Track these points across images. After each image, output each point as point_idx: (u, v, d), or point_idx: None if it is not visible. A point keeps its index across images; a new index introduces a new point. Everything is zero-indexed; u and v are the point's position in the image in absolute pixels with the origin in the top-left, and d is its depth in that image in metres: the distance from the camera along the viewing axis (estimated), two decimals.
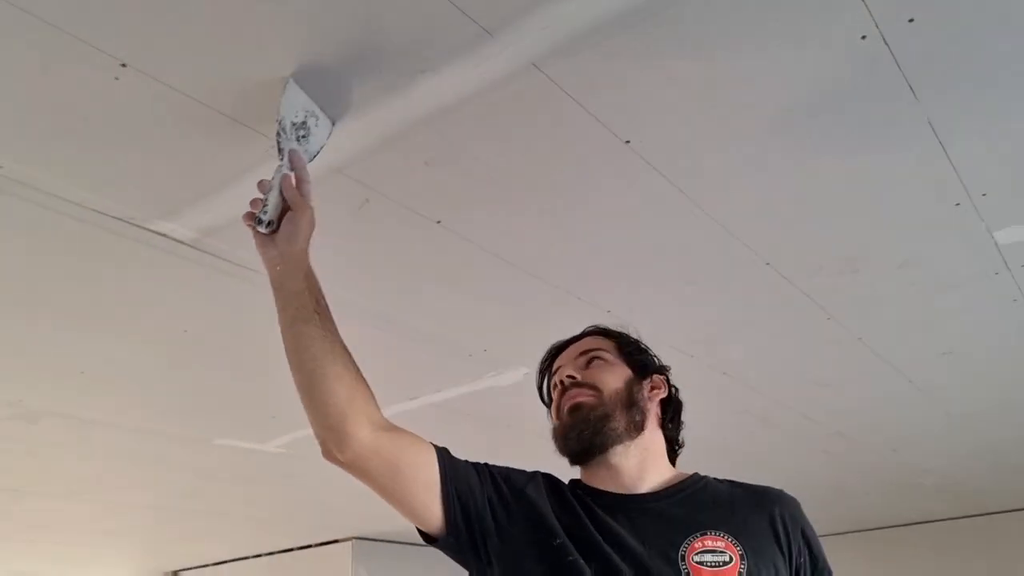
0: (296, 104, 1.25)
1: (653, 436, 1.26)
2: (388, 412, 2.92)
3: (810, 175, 1.64)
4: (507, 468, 1.27)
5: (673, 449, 1.31)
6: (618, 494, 1.21)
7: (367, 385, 1.17)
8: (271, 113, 1.32)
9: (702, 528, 1.14)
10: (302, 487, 3.96)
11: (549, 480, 1.27)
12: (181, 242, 1.73)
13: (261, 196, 1.20)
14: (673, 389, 1.34)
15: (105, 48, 1.19)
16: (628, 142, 1.49)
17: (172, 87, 1.27)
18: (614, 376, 1.25)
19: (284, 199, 1.20)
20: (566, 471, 1.33)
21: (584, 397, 1.22)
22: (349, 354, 1.17)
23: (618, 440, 1.21)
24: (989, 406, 3.25)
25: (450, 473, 1.16)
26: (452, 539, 1.16)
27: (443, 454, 1.19)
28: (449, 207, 1.67)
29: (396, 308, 2.11)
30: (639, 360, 1.31)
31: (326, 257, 1.81)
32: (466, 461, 1.23)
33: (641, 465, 1.22)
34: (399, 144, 1.45)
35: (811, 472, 4.09)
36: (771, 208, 1.75)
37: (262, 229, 1.20)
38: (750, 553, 1.11)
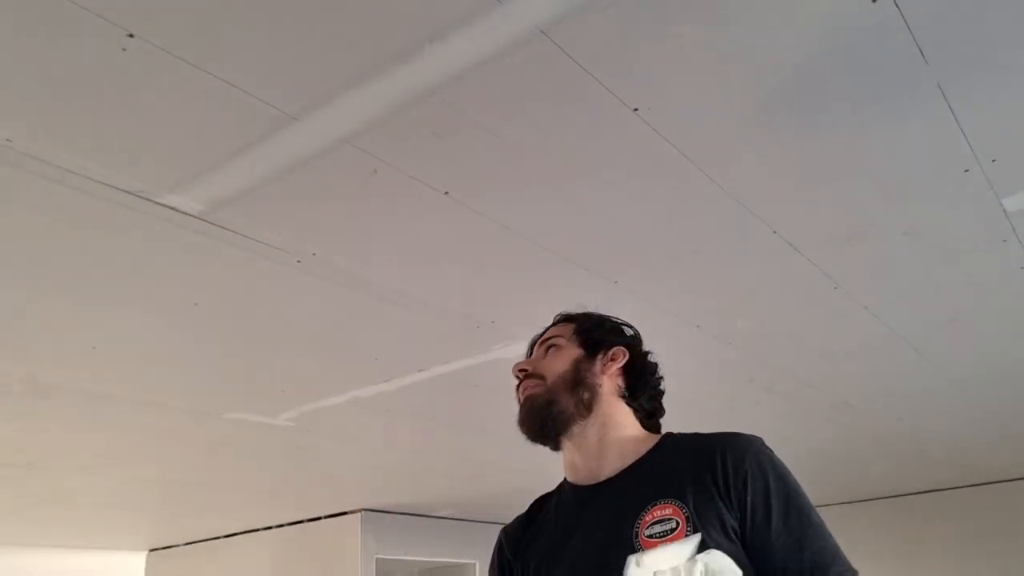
0: None
1: (610, 410, 1.23)
2: (399, 383, 2.94)
3: (818, 142, 1.63)
4: (502, 558, 1.33)
5: (650, 416, 1.28)
6: (584, 486, 1.22)
7: None
8: (278, 83, 1.32)
9: (652, 499, 1.11)
10: (311, 460, 3.99)
11: (509, 534, 1.33)
12: (190, 215, 1.73)
13: None
14: (636, 354, 1.29)
15: (111, 18, 1.19)
16: (636, 110, 1.48)
17: (180, 58, 1.27)
18: (560, 360, 1.25)
19: None
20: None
21: (532, 389, 1.24)
22: None
23: (570, 421, 1.20)
24: (994, 373, 3.26)
25: None
26: None
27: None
28: (457, 178, 1.67)
29: (404, 280, 2.11)
30: (592, 338, 1.29)
31: (334, 227, 1.84)
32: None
33: (601, 441, 1.21)
34: (406, 114, 1.45)
35: (818, 441, 4.11)
36: (778, 176, 1.75)
37: None
38: (695, 514, 1.07)
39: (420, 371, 2.81)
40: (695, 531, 1.05)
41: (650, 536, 1.08)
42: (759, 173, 1.73)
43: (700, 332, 2.56)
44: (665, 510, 1.09)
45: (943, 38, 1.35)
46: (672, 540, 1.06)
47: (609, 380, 1.25)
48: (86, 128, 1.43)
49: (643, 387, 1.28)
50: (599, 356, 1.26)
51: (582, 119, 1.50)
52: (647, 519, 1.10)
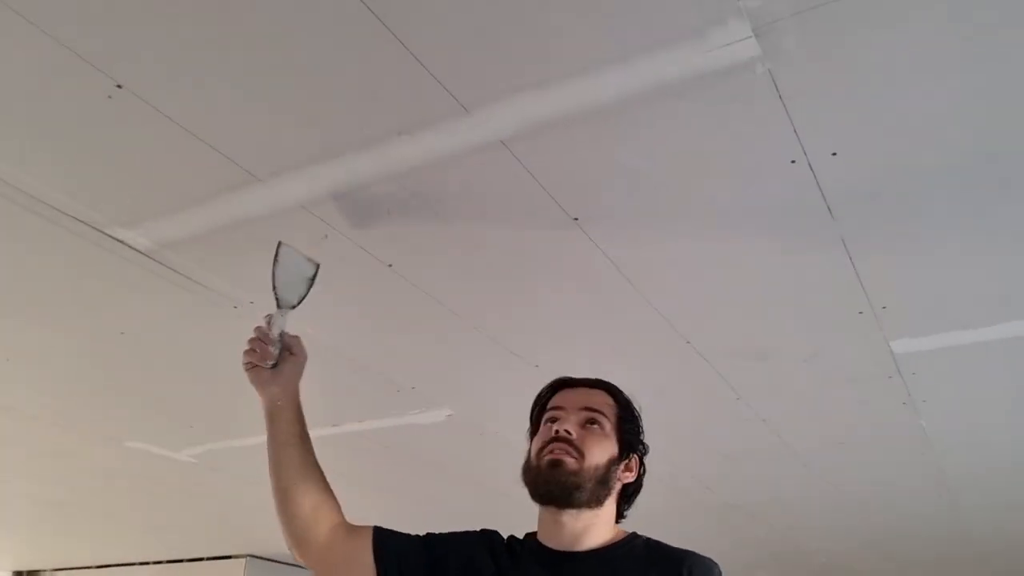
0: (289, 265, 1.46)
1: (607, 508, 1.32)
2: (311, 434, 2.96)
3: (735, 272, 1.80)
4: (450, 535, 1.34)
5: (619, 517, 1.37)
6: (555, 551, 1.28)
7: (331, 494, 1.35)
8: (250, 145, 1.41)
9: None
10: (204, 499, 3.93)
11: (492, 541, 1.34)
12: (136, 250, 1.78)
13: (261, 341, 1.40)
14: (642, 471, 1.39)
15: (103, 68, 1.27)
16: (576, 219, 1.62)
17: (162, 112, 1.35)
18: (601, 449, 1.30)
19: (283, 345, 1.41)
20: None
21: (568, 458, 1.27)
22: (319, 469, 1.37)
23: (577, 506, 1.27)
24: (875, 494, 3.47)
25: (383, 557, 1.28)
26: None
27: (379, 540, 1.30)
28: (403, 253, 1.77)
29: (336, 338, 2.18)
30: (628, 440, 1.35)
31: None
32: (406, 538, 1.32)
33: (585, 529, 1.28)
34: (366, 191, 1.55)
35: (708, 541, 4.26)
36: (697, 295, 1.91)
37: (267, 365, 1.39)
38: None
39: (334, 425, 2.85)
40: None
41: None
42: (680, 291, 1.89)
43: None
44: None
45: (849, 202, 1.54)
46: None
47: (618, 483, 1.33)
48: (57, 159, 1.48)
49: (632, 500, 1.37)
50: (625, 462, 1.33)
51: (526, 220, 1.63)
52: None
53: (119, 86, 1.30)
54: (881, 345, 2.10)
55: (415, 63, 1.24)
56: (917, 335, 2.06)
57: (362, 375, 2.39)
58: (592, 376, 1.42)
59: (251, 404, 2.70)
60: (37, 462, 3.42)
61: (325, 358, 2.28)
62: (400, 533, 1.33)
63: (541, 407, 1.40)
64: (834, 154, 1.41)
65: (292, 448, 1.36)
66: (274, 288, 1.43)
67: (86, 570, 5.85)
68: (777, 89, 1.27)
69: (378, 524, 1.32)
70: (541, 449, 1.31)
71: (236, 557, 5.26)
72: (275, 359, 1.39)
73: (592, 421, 1.32)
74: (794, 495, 3.51)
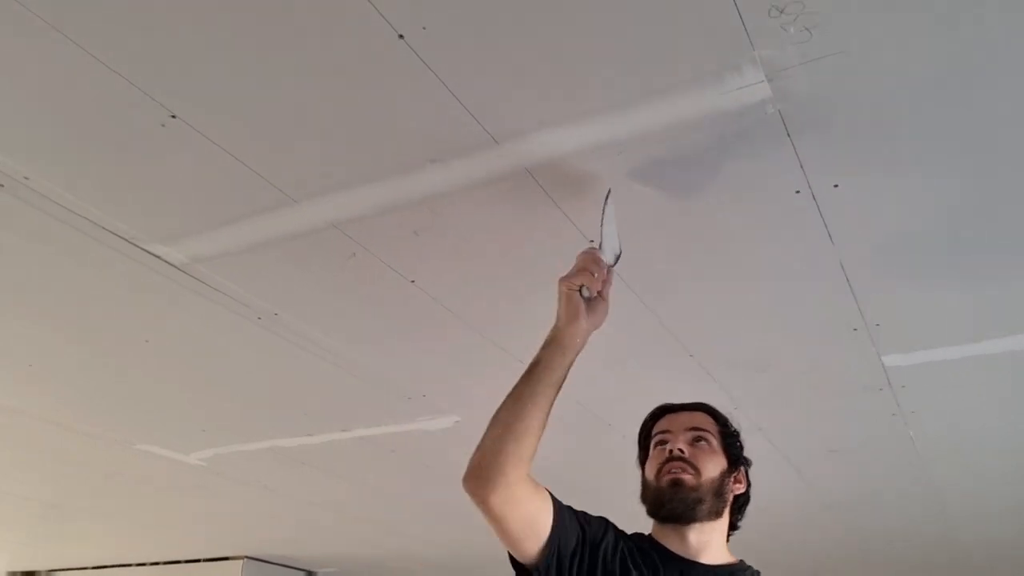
0: (611, 218, 1.44)
1: (723, 521, 1.41)
2: (321, 439, 3.07)
3: (740, 291, 1.91)
4: (586, 516, 1.37)
5: (732, 528, 1.47)
6: (682, 557, 1.37)
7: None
8: (290, 171, 1.50)
9: None
10: (207, 502, 4.00)
11: (623, 534, 1.40)
12: (171, 264, 1.87)
13: (597, 263, 1.36)
14: (749, 484, 1.48)
15: (158, 98, 1.36)
16: (592, 241, 1.72)
17: (211, 139, 1.44)
18: (714, 464, 1.40)
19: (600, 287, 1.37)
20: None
21: (686, 475, 1.37)
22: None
23: (700, 519, 1.36)
24: (865, 501, 3.59)
25: (560, 530, 1.29)
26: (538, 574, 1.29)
27: (558, 517, 1.30)
28: (425, 271, 1.87)
29: (353, 348, 2.27)
30: (734, 453, 1.46)
31: (303, 295, 1.99)
32: (571, 513, 1.34)
33: (707, 543, 1.38)
34: (396, 213, 1.65)
35: None
36: (702, 311, 2.01)
37: (585, 295, 1.35)
38: None
39: (343, 430, 2.94)
40: None
41: None
42: (685, 307, 1.99)
43: (612, 429, 2.79)
44: None
45: (848, 230, 1.65)
46: None
47: (731, 495, 1.43)
48: (105, 181, 1.57)
49: (743, 513, 1.47)
50: (734, 473, 1.44)
51: (546, 241, 1.73)
52: None
53: (173, 116, 1.39)
54: (873, 360, 2.21)
55: (449, 96, 1.34)
56: (907, 351, 2.17)
57: (374, 382, 2.48)
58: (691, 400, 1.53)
59: (261, 411, 2.80)
60: (41, 463, 3.48)
61: (340, 366, 2.37)
62: (564, 505, 1.33)
63: (646, 434, 1.49)
64: (836, 186, 1.51)
65: (553, 390, 1.28)
66: (600, 232, 1.41)
67: (82, 571, 5.90)
68: (785, 126, 1.38)
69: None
70: (659, 471, 1.40)
71: (234, 559, 5.33)
72: (591, 294, 1.35)
73: (700, 439, 1.42)
74: (786, 501, 3.62)
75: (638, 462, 1.51)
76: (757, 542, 4.23)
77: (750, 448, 2.89)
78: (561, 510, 1.31)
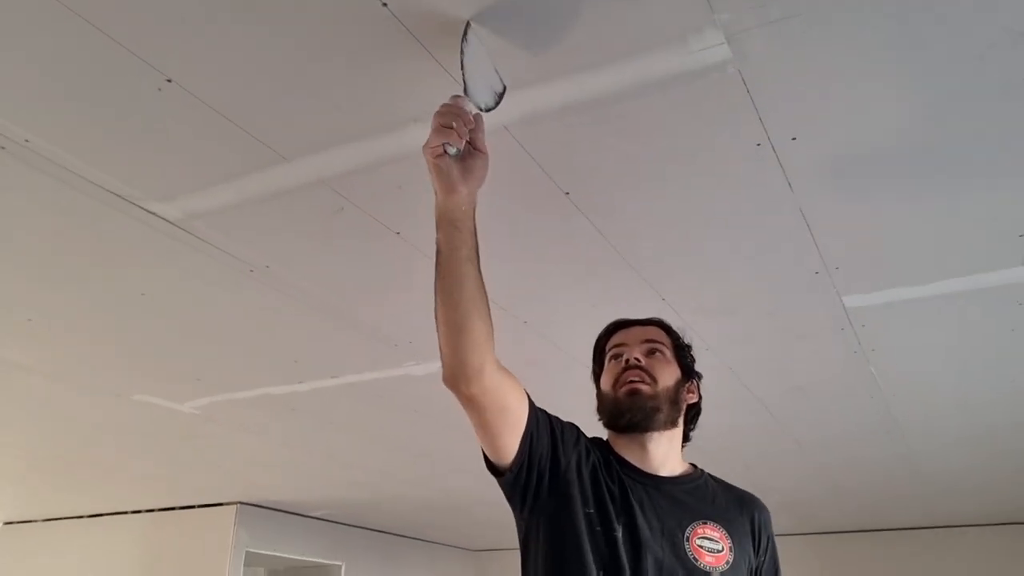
0: (481, 55, 1.27)
1: (678, 431, 1.46)
2: (311, 385, 3.19)
3: (707, 240, 2.03)
4: (562, 425, 1.38)
5: (686, 438, 1.52)
6: (643, 471, 1.40)
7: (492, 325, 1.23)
8: (282, 131, 1.59)
9: (704, 517, 1.35)
10: (201, 449, 4.12)
11: (592, 441, 1.42)
12: (166, 219, 1.95)
13: (458, 116, 1.19)
14: (700, 397, 1.53)
15: (156, 64, 1.43)
16: (568, 194, 1.82)
17: (206, 103, 1.52)
18: (669, 372, 1.44)
19: (471, 140, 1.22)
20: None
21: (644, 385, 1.39)
22: (486, 291, 1.24)
23: (656, 428, 1.39)
24: (828, 436, 3.78)
25: (533, 426, 1.30)
26: (511, 479, 1.31)
27: (534, 406, 1.32)
28: (409, 223, 1.97)
29: (342, 298, 2.38)
30: (687, 364, 1.49)
31: (293, 248, 2.09)
32: (544, 414, 1.35)
33: (665, 454, 1.42)
34: (381, 169, 1.74)
35: None
36: (673, 260, 2.13)
37: (452, 152, 1.19)
38: (736, 546, 1.34)
39: (333, 377, 3.06)
40: (733, 561, 1.33)
41: (700, 546, 1.33)
42: (657, 255, 2.11)
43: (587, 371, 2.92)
44: (714, 532, 1.35)
45: (806, 177, 1.76)
46: (718, 559, 1.32)
47: (684, 404, 1.48)
48: (105, 143, 1.65)
49: (694, 423, 1.53)
50: (687, 383, 1.48)
51: (522, 194, 1.83)
52: (698, 531, 1.34)
53: (169, 80, 1.47)
54: (835, 301, 2.35)
55: (429, 57, 1.42)
56: (866, 291, 2.31)
57: (361, 330, 2.60)
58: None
59: (253, 360, 2.90)
60: (37, 416, 3.58)
61: (329, 315, 2.48)
62: (538, 408, 1.34)
63: (601, 349, 1.53)
64: (794, 138, 1.62)
65: (470, 264, 1.21)
66: (463, 75, 1.24)
67: (78, 519, 6.04)
68: (745, 85, 1.47)
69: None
70: (615, 381, 1.43)
71: (227, 504, 5.48)
72: (464, 143, 1.19)
73: (654, 351, 1.46)
74: (759, 439, 3.80)
75: (592, 376, 1.54)
76: (733, 480, 4.44)
77: (723, 388, 3.06)
78: (535, 410, 1.32)
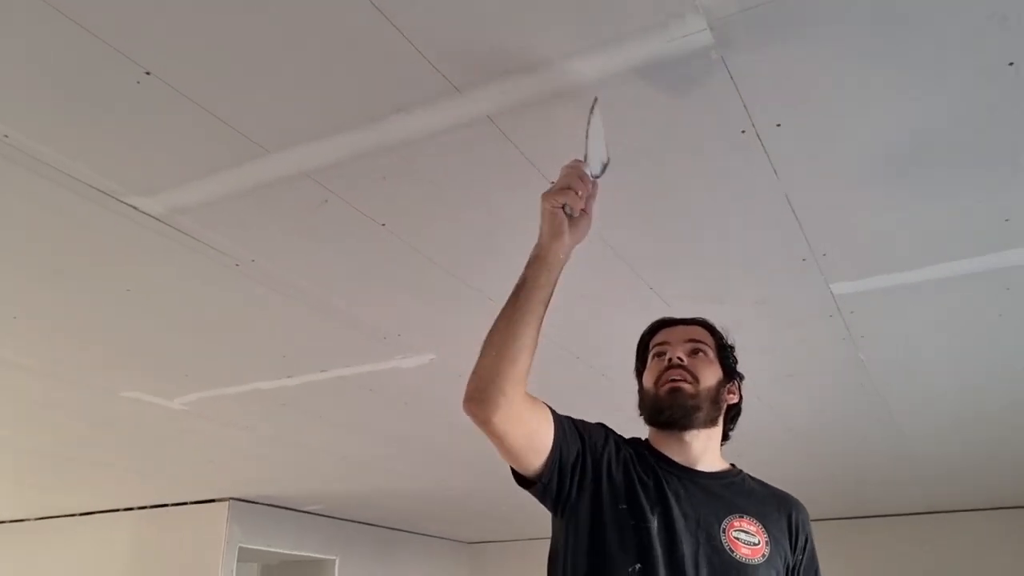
0: (599, 128, 1.42)
1: (718, 430, 1.49)
2: (300, 380, 3.17)
3: (694, 228, 2.02)
4: (589, 428, 1.42)
5: (725, 437, 1.55)
6: (681, 465, 1.43)
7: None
8: (263, 123, 1.58)
9: (740, 511, 1.38)
10: (192, 446, 4.11)
11: (621, 439, 1.46)
12: (149, 215, 1.94)
13: (582, 180, 1.33)
14: (741, 397, 1.56)
15: (135, 57, 1.42)
16: (553, 183, 1.81)
17: (185, 95, 1.51)
18: (711, 373, 1.46)
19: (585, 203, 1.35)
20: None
21: (685, 384, 1.42)
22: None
23: (696, 426, 1.42)
24: (819, 423, 3.79)
25: (560, 440, 1.33)
26: (540, 488, 1.34)
27: (559, 428, 1.34)
28: (394, 214, 1.95)
29: (329, 290, 2.37)
30: (729, 366, 1.53)
31: (278, 241, 2.08)
32: (570, 421, 1.38)
33: (703, 450, 1.45)
34: (365, 160, 1.73)
35: None
36: (659, 247, 2.13)
37: (568, 212, 1.32)
38: (772, 542, 1.37)
39: (322, 371, 3.05)
40: (768, 555, 1.36)
41: (736, 538, 1.35)
42: (645, 244, 2.10)
43: (578, 362, 2.92)
44: (750, 526, 1.38)
45: (791, 163, 1.76)
46: (754, 552, 1.35)
47: (725, 404, 1.51)
48: (84, 137, 1.63)
49: (734, 423, 1.56)
50: (728, 384, 1.51)
51: (508, 184, 1.82)
52: (734, 524, 1.37)
53: (148, 72, 1.45)
54: (822, 288, 2.35)
55: (410, 47, 1.41)
56: (854, 278, 2.31)
57: (349, 324, 2.59)
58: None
59: (241, 355, 2.89)
60: (26, 414, 3.56)
61: (316, 309, 2.47)
62: (563, 417, 1.37)
63: (644, 346, 1.55)
64: (778, 125, 1.62)
65: (542, 307, 1.29)
66: (586, 144, 1.38)
67: (70, 518, 6.02)
68: (728, 71, 1.47)
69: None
70: (657, 379, 1.45)
71: (220, 501, 5.47)
72: (575, 213, 1.33)
73: (697, 351, 1.48)
74: (751, 427, 3.78)
75: (635, 373, 1.56)
76: None
77: None
78: (561, 422, 1.35)
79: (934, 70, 1.48)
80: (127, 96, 1.50)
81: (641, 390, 1.51)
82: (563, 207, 1.32)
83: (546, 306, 1.30)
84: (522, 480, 1.37)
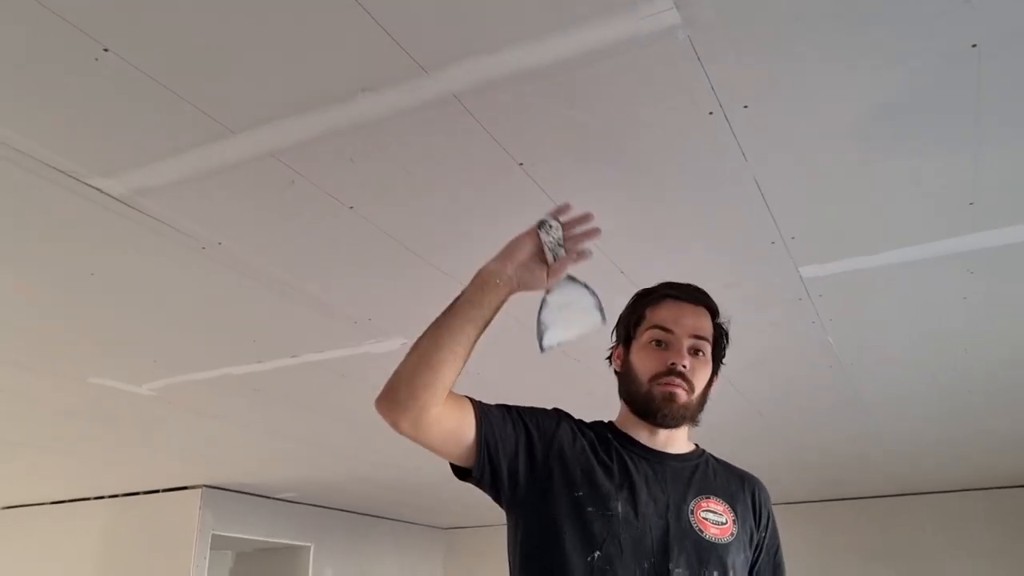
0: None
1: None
2: (271, 365, 3.14)
3: (663, 211, 2.02)
4: (533, 413, 1.38)
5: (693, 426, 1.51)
6: (648, 447, 1.40)
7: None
8: (227, 102, 1.55)
9: (708, 492, 1.38)
10: (162, 433, 4.07)
11: (581, 424, 1.42)
12: (111, 196, 1.90)
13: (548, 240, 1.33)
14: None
15: (92, 33, 1.39)
16: (521, 164, 1.81)
17: (147, 74, 1.48)
18: (704, 375, 1.41)
19: (552, 261, 1.33)
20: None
21: (682, 392, 1.37)
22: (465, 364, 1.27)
23: (678, 427, 1.41)
24: (790, 406, 3.83)
25: (485, 434, 1.29)
26: (476, 483, 1.32)
27: (482, 418, 1.30)
28: (363, 197, 1.94)
29: (297, 275, 2.35)
30: (718, 360, 1.46)
31: (245, 223, 2.05)
32: (502, 413, 1.34)
33: (675, 436, 1.42)
34: (332, 141, 1.71)
35: None
36: (630, 232, 2.13)
37: (551, 248, 1.33)
38: (739, 520, 1.37)
39: (293, 356, 3.03)
40: (736, 534, 1.36)
41: (704, 518, 1.35)
42: (614, 226, 2.10)
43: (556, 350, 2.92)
44: (718, 506, 1.38)
45: (759, 146, 1.76)
46: (723, 531, 1.35)
47: (706, 401, 1.45)
48: (42, 116, 1.60)
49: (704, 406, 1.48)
50: (713, 379, 1.45)
51: (476, 166, 1.81)
52: (702, 504, 1.37)
53: (106, 50, 1.42)
54: (791, 271, 2.36)
55: (376, 26, 1.39)
56: (822, 261, 2.33)
57: (320, 308, 2.57)
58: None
59: (210, 340, 2.86)
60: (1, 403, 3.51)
61: (285, 293, 2.44)
62: (494, 408, 1.34)
63: (641, 314, 1.46)
64: (746, 107, 1.62)
65: (472, 326, 1.25)
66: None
67: (40, 506, 5.95)
68: (695, 52, 1.47)
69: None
70: (655, 377, 1.37)
71: (192, 488, 5.43)
72: (549, 263, 1.32)
73: (698, 350, 1.41)
74: (724, 412, 3.83)
75: (617, 338, 1.49)
76: None
77: None
78: (486, 417, 1.31)
79: (898, 51, 1.49)
80: (85, 73, 1.47)
81: (630, 372, 1.42)
82: (546, 243, 1.31)
83: (480, 326, 1.26)
84: (460, 473, 1.34)
